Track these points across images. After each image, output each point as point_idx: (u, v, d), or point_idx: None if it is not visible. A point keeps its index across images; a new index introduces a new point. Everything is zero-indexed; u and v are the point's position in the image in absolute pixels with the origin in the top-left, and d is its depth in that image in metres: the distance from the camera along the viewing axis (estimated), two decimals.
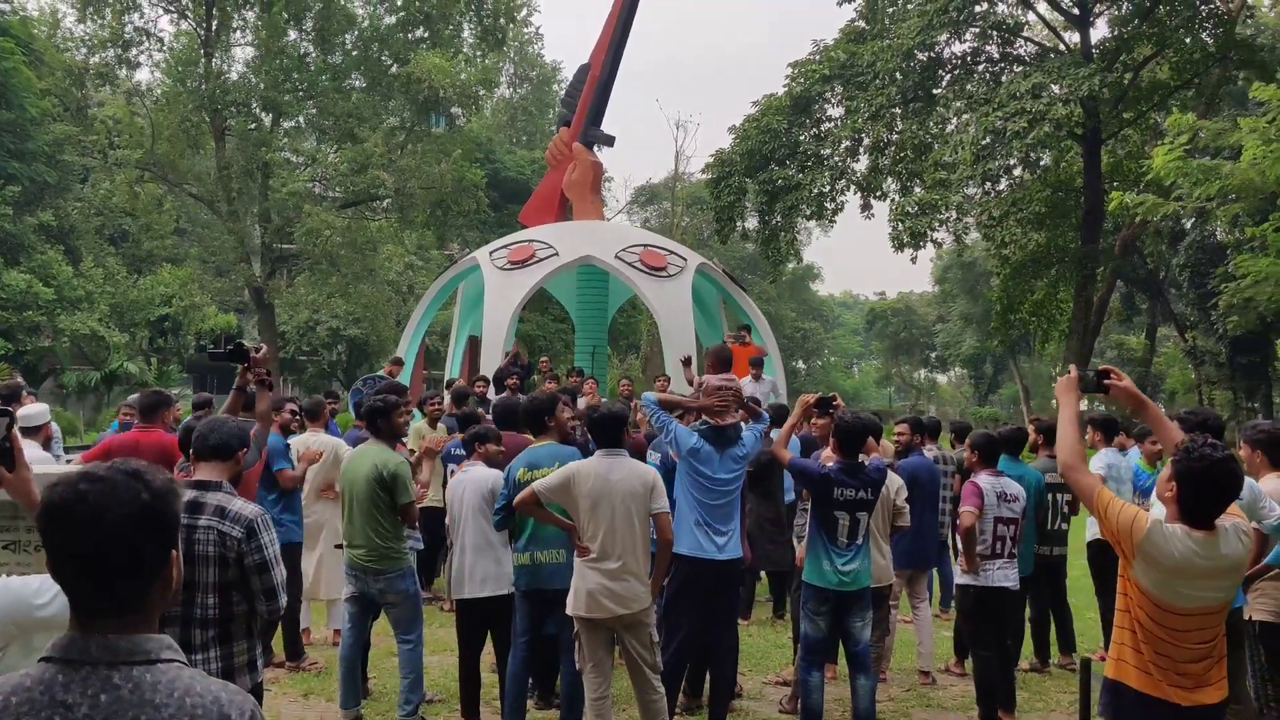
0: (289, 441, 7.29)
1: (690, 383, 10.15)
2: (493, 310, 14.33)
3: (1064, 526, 7.24)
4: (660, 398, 6.15)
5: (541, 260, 14.67)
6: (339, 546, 6.81)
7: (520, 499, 5.25)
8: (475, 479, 5.95)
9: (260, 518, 3.71)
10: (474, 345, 15.35)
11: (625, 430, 5.47)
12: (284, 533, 6.81)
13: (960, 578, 6.20)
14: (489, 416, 8.04)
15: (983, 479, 6.07)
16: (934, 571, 8.55)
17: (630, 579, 5.09)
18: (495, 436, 6.20)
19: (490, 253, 15.43)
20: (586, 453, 5.73)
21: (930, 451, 7.88)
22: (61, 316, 26.98)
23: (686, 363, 11.08)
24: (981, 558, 5.98)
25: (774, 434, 6.76)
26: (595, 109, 17.02)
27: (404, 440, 7.49)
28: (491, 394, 11.64)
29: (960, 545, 6.17)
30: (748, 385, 13.18)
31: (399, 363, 14.16)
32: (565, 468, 5.35)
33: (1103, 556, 7.75)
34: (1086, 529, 7.39)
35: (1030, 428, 7.40)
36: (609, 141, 17.54)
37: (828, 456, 6.26)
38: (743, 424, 5.95)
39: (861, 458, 5.68)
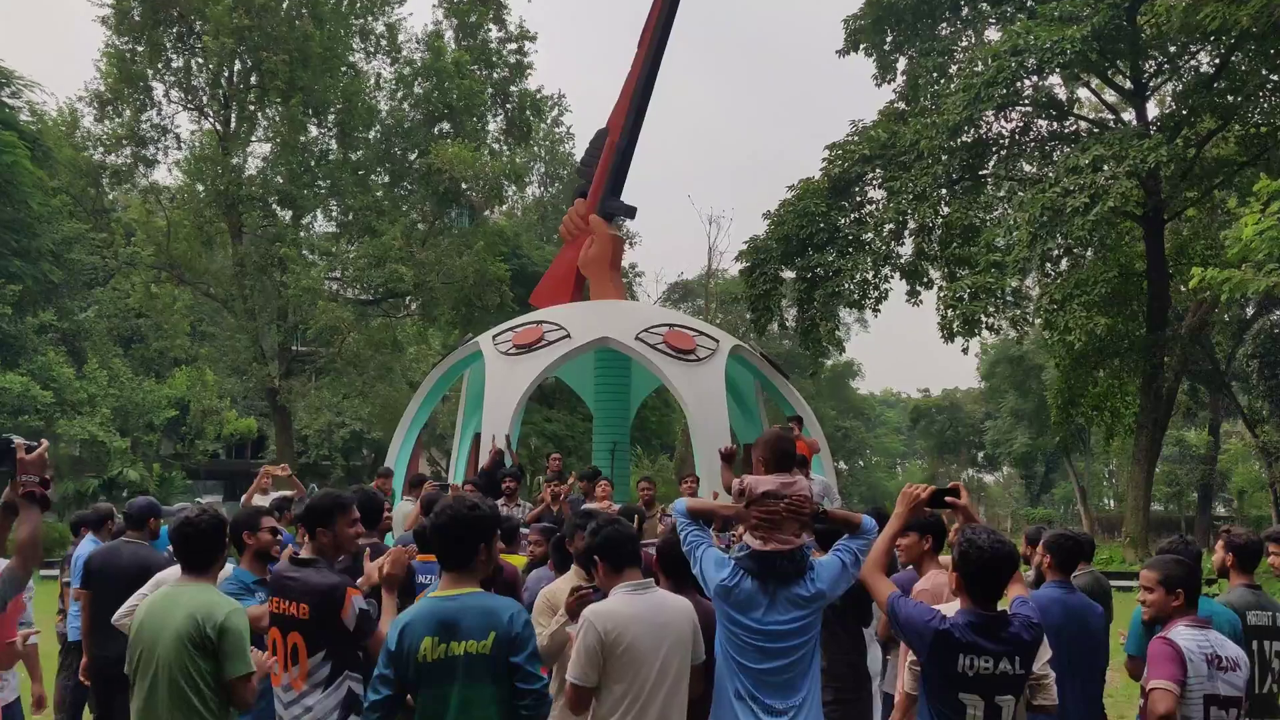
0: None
1: (729, 489, 7.31)
2: (494, 401, 12.46)
3: (1276, 688, 4.86)
4: (691, 504, 4.13)
5: (551, 343, 12.83)
6: None
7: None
8: None
9: None
10: (480, 444, 13.43)
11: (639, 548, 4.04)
12: None
13: None
14: None
15: (1182, 634, 3.89)
16: None
17: None
18: None
19: (494, 337, 13.65)
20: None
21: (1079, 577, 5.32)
22: (60, 421, 25.52)
23: (728, 458, 7.94)
24: None
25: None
26: (614, 177, 15.33)
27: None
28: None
29: None
30: None
31: (388, 474, 12.11)
32: (585, 625, 3.74)
33: None
34: None
35: (1217, 545, 5.11)
36: (630, 213, 15.88)
37: (920, 592, 4.22)
38: (809, 548, 3.93)
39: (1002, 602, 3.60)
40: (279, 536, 5.33)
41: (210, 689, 3.69)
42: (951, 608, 3.61)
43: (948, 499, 3.85)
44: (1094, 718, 4.79)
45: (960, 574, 3.53)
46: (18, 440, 3.46)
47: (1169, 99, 25.79)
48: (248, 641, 3.75)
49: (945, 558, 5.47)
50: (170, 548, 7.31)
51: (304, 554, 4.22)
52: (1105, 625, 4.89)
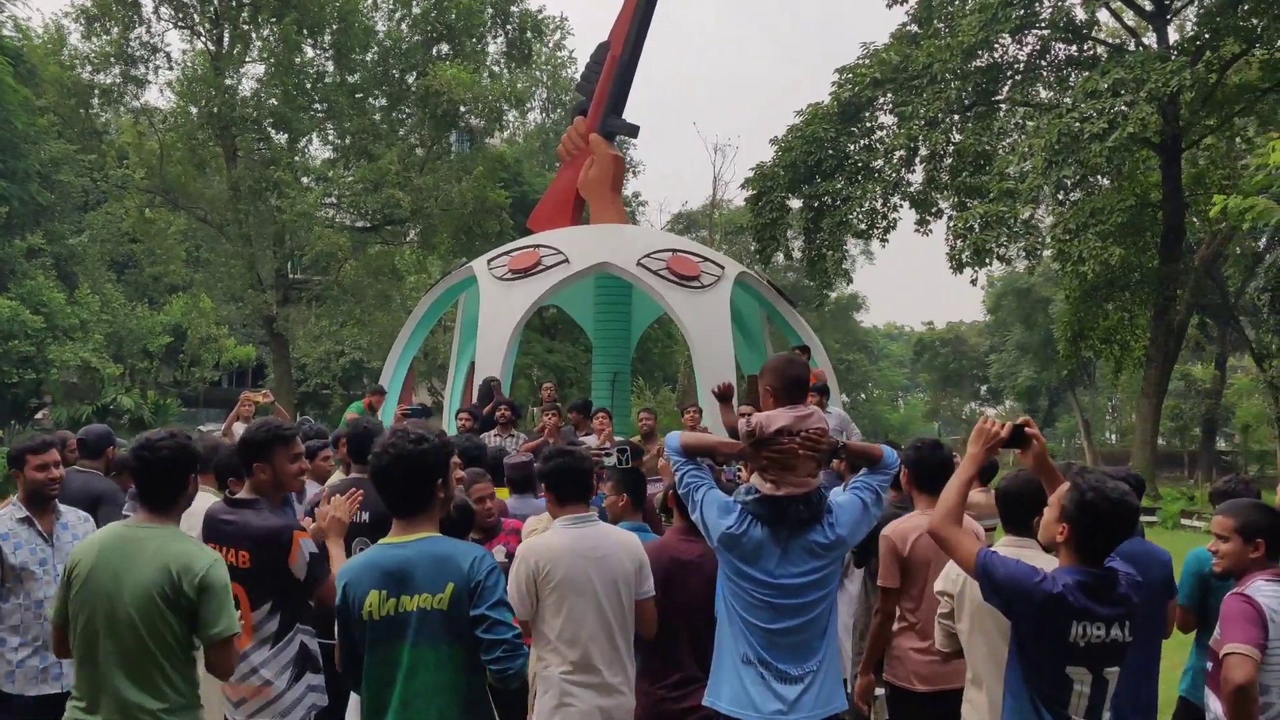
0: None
1: (732, 430, 6.75)
2: (488, 328, 11.99)
3: None
4: (687, 439, 3.62)
5: (548, 269, 12.30)
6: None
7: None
8: None
9: None
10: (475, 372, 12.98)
11: (594, 481, 4.01)
12: None
13: None
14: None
15: (1263, 590, 3.42)
16: None
17: (624, 694, 3.73)
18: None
19: (489, 261, 13.11)
20: None
21: None
22: (52, 347, 25.06)
23: (724, 396, 6.96)
24: None
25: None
26: (616, 94, 14.54)
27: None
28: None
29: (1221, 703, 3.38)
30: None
31: (380, 393, 11.80)
32: (518, 559, 3.76)
33: None
34: None
35: None
36: (632, 131, 15.22)
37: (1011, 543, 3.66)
38: (824, 489, 3.43)
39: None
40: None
41: (182, 655, 3.13)
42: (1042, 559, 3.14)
43: (1028, 432, 3.31)
44: (1150, 678, 4.28)
45: (1076, 526, 2.99)
46: None
47: (1190, 22, 24.96)
48: (231, 596, 3.20)
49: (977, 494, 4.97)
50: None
51: (241, 494, 3.72)
52: (1169, 573, 4.37)
